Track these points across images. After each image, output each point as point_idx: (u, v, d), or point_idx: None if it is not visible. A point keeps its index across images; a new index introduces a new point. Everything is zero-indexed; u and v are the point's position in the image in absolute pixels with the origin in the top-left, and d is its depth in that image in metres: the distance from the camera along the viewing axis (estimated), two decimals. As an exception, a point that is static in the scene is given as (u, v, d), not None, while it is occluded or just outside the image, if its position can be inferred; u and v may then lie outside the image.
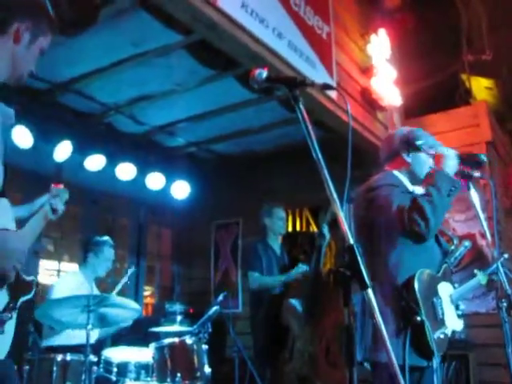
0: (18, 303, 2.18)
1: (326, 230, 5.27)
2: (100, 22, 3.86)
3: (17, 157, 6.03)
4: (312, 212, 8.25)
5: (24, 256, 2.10)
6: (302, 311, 5.07)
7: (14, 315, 2.16)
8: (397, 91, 6.74)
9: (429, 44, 7.19)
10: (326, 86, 2.08)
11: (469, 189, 3.07)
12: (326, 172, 1.83)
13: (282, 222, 5.71)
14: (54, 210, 2.60)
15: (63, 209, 2.68)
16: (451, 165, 2.94)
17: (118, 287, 4.92)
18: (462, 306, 3.05)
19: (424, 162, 3.11)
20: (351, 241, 1.76)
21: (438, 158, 2.98)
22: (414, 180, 3.13)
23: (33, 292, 2.30)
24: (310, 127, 1.89)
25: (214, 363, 4.71)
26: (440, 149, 3.05)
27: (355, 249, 1.74)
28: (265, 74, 2.03)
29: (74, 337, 4.62)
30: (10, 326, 2.15)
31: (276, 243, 5.70)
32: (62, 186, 2.79)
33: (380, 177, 3.11)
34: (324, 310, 5.06)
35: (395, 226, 2.85)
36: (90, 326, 4.05)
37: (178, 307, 6.89)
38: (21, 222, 2.44)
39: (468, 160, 3.04)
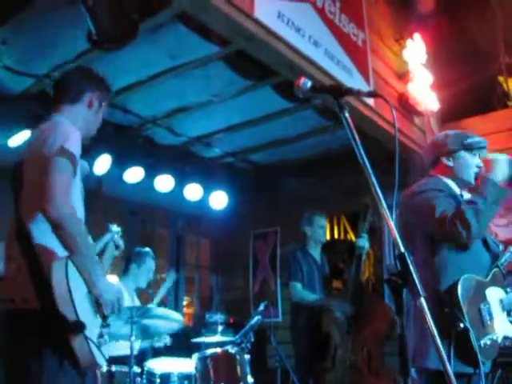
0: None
1: (365, 238, 5.22)
2: (139, 35, 3.90)
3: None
4: (349, 219, 8.20)
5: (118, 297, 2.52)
6: (343, 320, 5.03)
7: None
8: (433, 96, 6.67)
9: (464, 47, 7.10)
10: (372, 94, 2.08)
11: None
12: (373, 178, 1.82)
13: (322, 231, 5.67)
14: (116, 247, 2.94)
15: (123, 244, 3.00)
16: (501, 171, 2.88)
17: (160, 294, 4.95)
18: (515, 312, 2.98)
19: (467, 165, 3.06)
20: (402, 248, 1.74)
21: (487, 164, 2.93)
22: (462, 184, 3.08)
23: None
24: (356, 135, 1.88)
25: (256, 373, 4.70)
26: (491, 154, 2.99)
27: (406, 257, 1.72)
28: (309, 83, 2.03)
29: (118, 348, 4.66)
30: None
31: (316, 251, 5.67)
32: (115, 225, 3.03)
33: (424, 181, 3.08)
34: (365, 318, 5.01)
35: (437, 233, 2.81)
36: (133, 338, 4.10)
37: (218, 317, 6.87)
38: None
39: None
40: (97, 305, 2.36)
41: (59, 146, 2.30)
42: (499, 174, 2.87)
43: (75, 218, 2.29)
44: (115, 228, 2.96)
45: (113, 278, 7.54)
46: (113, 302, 2.42)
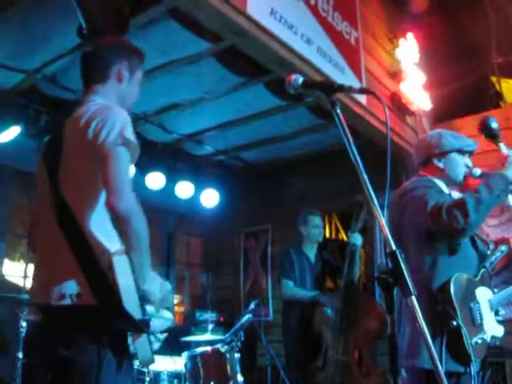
0: None
1: (358, 236, 5.21)
2: (130, 31, 3.87)
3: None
4: (341, 218, 8.19)
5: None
6: (334, 319, 5.02)
7: None
8: (426, 95, 6.67)
9: (457, 47, 7.10)
10: (364, 91, 2.07)
11: (507, 193, 3.01)
12: (365, 176, 1.80)
13: (317, 230, 5.64)
14: None
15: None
16: None
17: None
18: (501, 312, 2.99)
19: (457, 165, 3.07)
20: (393, 246, 1.73)
21: (502, 159, 2.92)
22: (451, 183, 3.09)
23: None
24: (347, 132, 1.86)
25: (246, 372, 4.69)
26: (510, 151, 2.98)
27: (398, 255, 1.71)
28: (301, 79, 2.02)
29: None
30: None
31: (312, 251, 5.64)
32: None
33: (414, 180, 3.08)
34: (356, 317, 5.00)
35: (430, 227, 2.80)
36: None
37: (208, 316, 6.88)
38: None
39: None
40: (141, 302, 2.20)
41: (119, 133, 2.20)
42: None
43: (141, 214, 2.17)
44: None
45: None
46: (162, 298, 2.32)
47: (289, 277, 5.42)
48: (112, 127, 2.20)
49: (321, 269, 5.59)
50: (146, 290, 2.18)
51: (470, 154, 3.15)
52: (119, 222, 2.12)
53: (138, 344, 2.10)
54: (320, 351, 5.03)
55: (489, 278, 3.05)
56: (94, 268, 2.07)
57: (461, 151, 3.09)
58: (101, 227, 2.15)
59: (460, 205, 2.70)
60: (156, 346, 2.29)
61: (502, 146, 3.05)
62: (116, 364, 2.07)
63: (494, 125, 3.07)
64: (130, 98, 2.59)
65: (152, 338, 2.26)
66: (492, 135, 3.08)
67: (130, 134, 2.23)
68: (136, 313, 2.05)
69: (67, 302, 2.06)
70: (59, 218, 2.18)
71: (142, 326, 2.07)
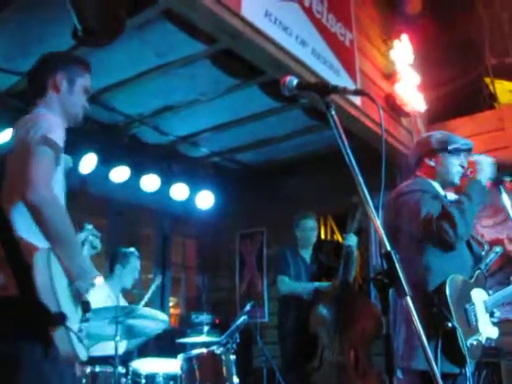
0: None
1: (353, 237, 5.21)
2: (125, 33, 3.87)
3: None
4: (336, 220, 8.20)
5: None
6: (330, 320, 5.01)
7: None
8: (421, 97, 6.68)
9: (451, 48, 7.12)
10: (358, 92, 2.07)
11: (500, 193, 3.02)
12: (360, 178, 1.80)
13: (310, 233, 5.62)
14: (93, 247, 2.86)
15: (100, 245, 2.91)
16: (486, 172, 2.90)
17: (145, 299, 4.91)
18: (497, 313, 2.99)
19: (450, 165, 3.08)
20: (388, 247, 1.73)
21: (472, 165, 2.95)
22: (445, 184, 3.10)
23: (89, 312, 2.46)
24: (342, 133, 1.87)
25: (242, 373, 4.68)
26: (476, 156, 3.01)
27: (393, 255, 1.71)
28: (295, 81, 2.03)
29: (102, 348, 4.62)
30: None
31: (307, 253, 5.64)
32: (91, 226, 2.98)
33: (410, 182, 3.09)
34: (352, 319, 5.00)
35: (422, 234, 2.81)
36: (118, 338, 4.06)
37: (204, 318, 6.86)
38: None
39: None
40: (77, 298, 2.33)
41: (42, 135, 2.26)
42: (484, 174, 2.90)
43: (56, 203, 2.22)
44: (90, 227, 2.89)
45: (98, 280, 7.51)
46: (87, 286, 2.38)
47: (284, 273, 5.42)
48: (38, 130, 2.29)
49: (316, 270, 5.59)
50: (75, 283, 2.29)
51: (467, 153, 3.16)
52: (32, 214, 2.17)
53: (57, 337, 2.15)
54: (316, 352, 5.03)
55: (484, 279, 3.07)
56: (20, 264, 2.17)
57: (453, 150, 3.09)
58: (29, 228, 2.23)
59: (447, 217, 2.73)
60: (81, 342, 2.28)
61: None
62: (40, 352, 2.15)
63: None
64: (74, 107, 2.62)
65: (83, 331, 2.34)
66: None
67: (55, 137, 2.30)
68: (52, 306, 2.13)
69: None
70: None
71: (57, 319, 2.14)
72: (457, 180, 3.08)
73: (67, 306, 2.22)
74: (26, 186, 2.15)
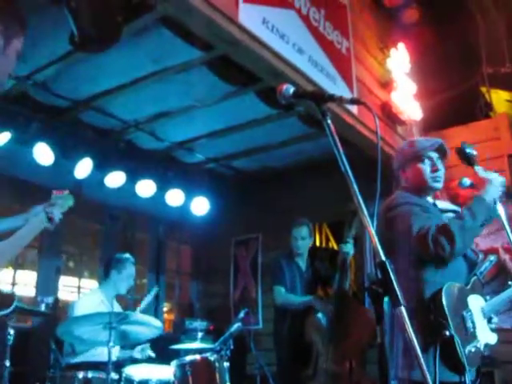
0: None
1: (350, 244, 5.16)
2: (121, 39, 3.86)
3: (37, 174, 6.11)
4: (331, 227, 8.20)
5: None
6: (325, 328, 5.00)
7: None
8: (417, 105, 6.70)
9: (448, 57, 7.15)
10: (354, 101, 2.07)
11: (495, 203, 3.01)
12: (355, 186, 1.80)
13: (302, 242, 5.54)
14: (50, 219, 2.58)
15: (60, 217, 2.66)
16: (494, 192, 2.88)
17: (142, 306, 4.89)
18: (494, 319, 2.98)
19: (422, 172, 3.06)
20: (383, 257, 1.73)
21: (481, 182, 2.92)
22: (426, 191, 3.08)
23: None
24: (338, 141, 1.87)
25: (235, 380, 4.67)
26: (487, 174, 2.97)
27: (387, 265, 1.71)
28: (292, 89, 2.03)
29: (96, 354, 4.61)
30: None
31: (302, 260, 5.60)
32: (65, 192, 2.76)
33: (395, 196, 3.07)
34: (347, 327, 4.98)
35: (416, 250, 2.80)
36: (111, 344, 4.04)
37: (198, 324, 6.84)
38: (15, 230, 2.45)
39: None
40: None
41: None
42: (491, 194, 2.86)
43: None
44: (56, 197, 2.68)
45: (93, 284, 7.48)
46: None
47: (280, 283, 5.40)
48: None
49: (311, 277, 5.57)
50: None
51: (441, 153, 3.12)
52: None
53: None
54: (311, 360, 5.01)
55: (480, 286, 3.04)
56: None
57: (420, 156, 3.07)
58: None
59: (446, 231, 2.70)
60: None
61: (478, 169, 3.06)
62: None
63: (469, 150, 3.09)
64: (3, 70, 2.20)
65: None
66: (467, 160, 3.09)
67: None
68: None
69: None
70: None
71: None
72: (436, 184, 3.05)
73: None
74: None
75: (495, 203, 2.92)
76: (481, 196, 2.85)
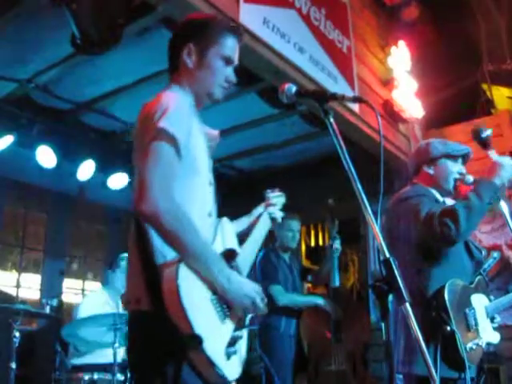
0: None
1: (338, 240, 5.10)
2: (123, 40, 3.87)
3: (41, 176, 6.12)
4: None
5: (256, 295, 2.05)
6: (330, 328, 4.96)
7: None
8: (418, 103, 6.70)
9: (449, 55, 7.14)
10: (357, 99, 2.07)
11: (498, 199, 3.01)
12: (358, 184, 1.81)
13: (291, 233, 5.29)
14: (272, 219, 2.63)
15: (282, 215, 2.70)
16: (504, 176, 2.86)
17: None
18: (497, 319, 2.98)
19: (448, 172, 3.07)
20: (387, 254, 1.73)
21: (493, 165, 2.90)
22: (443, 193, 3.08)
23: None
24: (340, 140, 1.87)
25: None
26: (500, 158, 2.95)
27: (392, 262, 1.71)
28: (294, 88, 2.03)
29: (101, 356, 4.61)
30: None
31: (286, 256, 5.34)
32: (277, 192, 2.80)
33: (409, 189, 3.08)
34: (347, 325, 4.96)
35: (424, 234, 2.79)
36: (116, 345, 4.05)
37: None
38: (242, 236, 2.48)
39: None
40: (226, 308, 1.99)
41: (156, 125, 1.93)
42: (500, 178, 2.85)
43: (175, 212, 1.87)
44: (273, 197, 2.72)
45: (97, 286, 7.50)
46: (243, 301, 2.00)
47: (276, 281, 5.06)
48: (153, 116, 2.03)
49: (297, 272, 5.44)
50: (220, 293, 1.98)
51: (464, 160, 3.15)
52: (153, 227, 1.92)
53: (195, 358, 1.92)
54: (310, 361, 4.96)
55: (485, 285, 3.05)
56: (152, 276, 1.95)
57: (450, 156, 3.09)
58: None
59: (450, 212, 2.68)
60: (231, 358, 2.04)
61: (491, 153, 3.05)
62: (174, 370, 1.94)
63: (485, 133, 3.08)
64: (208, 83, 2.35)
65: None
66: (483, 143, 3.08)
67: (169, 124, 1.99)
68: (184, 326, 1.87)
69: (131, 307, 2.05)
70: (136, 230, 2.09)
71: (190, 341, 1.86)
72: (451, 186, 3.06)
73: (207, 323, 1.89)
74: (138, 197, 1.87)
75: (498, 197, 2.91)
76: (490, 179, 2.83)
